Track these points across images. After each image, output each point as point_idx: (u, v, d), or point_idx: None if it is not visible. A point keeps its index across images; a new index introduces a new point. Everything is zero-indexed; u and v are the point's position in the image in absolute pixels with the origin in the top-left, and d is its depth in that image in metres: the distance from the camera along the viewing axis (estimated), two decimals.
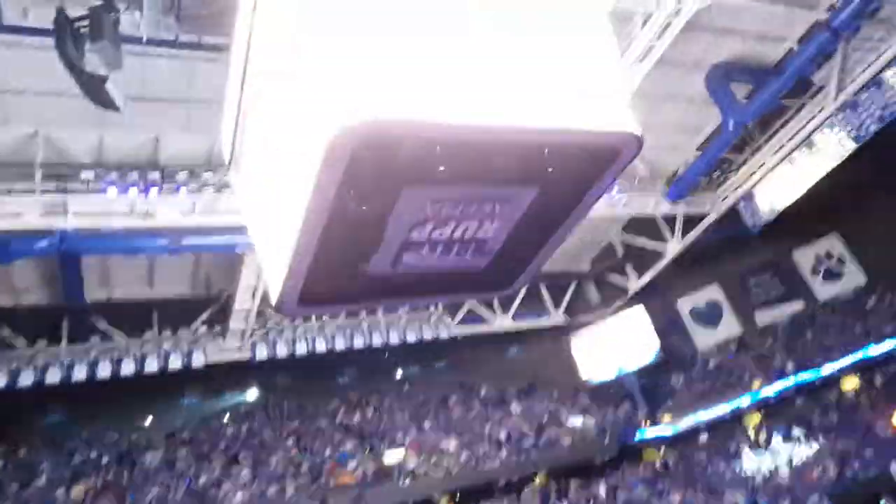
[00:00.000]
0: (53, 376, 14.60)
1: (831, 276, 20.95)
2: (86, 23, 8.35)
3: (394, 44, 5.81)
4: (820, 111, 15.00)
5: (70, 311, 14.81)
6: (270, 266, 7.28)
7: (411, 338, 18.52)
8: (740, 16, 12.68)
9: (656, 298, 20.84)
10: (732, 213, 17.31)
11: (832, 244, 21.06)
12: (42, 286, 14.19)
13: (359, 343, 17.73)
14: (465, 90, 5.52)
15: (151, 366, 15.39)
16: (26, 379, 14.37)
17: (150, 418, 18.56)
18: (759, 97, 13.94)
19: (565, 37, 6.44)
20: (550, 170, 6.33)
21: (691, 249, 18.17)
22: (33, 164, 10.89)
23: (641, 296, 20.48)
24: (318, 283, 7.45)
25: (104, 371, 14.98)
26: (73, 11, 8.40)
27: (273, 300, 7.06)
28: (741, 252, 19.72)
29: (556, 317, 20.74)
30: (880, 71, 13.96)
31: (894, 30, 13.62)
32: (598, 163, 6.98)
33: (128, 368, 15.17)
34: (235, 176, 8.20)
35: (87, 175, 11.36)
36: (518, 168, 6.37)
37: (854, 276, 20.64)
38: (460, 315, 19.29)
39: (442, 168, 5.65)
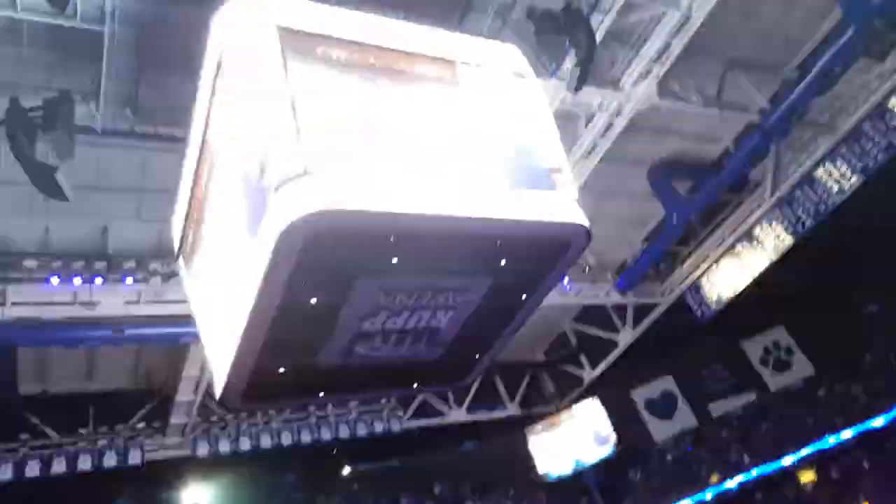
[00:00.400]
0: None
1: (781, 366, 21.43)
2: (40, 113, 8.38)
3: (345, 140, 5.95)
4: (758, 207, 15.79)
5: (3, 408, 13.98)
6: (216, 358, 7.04)
7: (361, 432, 17.94)
8: (679, 117, 13.54)
9: (611, 389, 20.90)
10: (682, 304, 17.74)
11: (780, 335, 21.66)
12: None
13: (306, 439, 17.02)
14: (415, 183, 5.65)
15: (85, 464, 14.50)
16: None
17: None
18: (700, 193, 14.68)
19: (513, 133, 6.72)
20: (503, 261, 6.47)
21: (644, 339, 18.44)
22: None
23: (597, 386, 20.51)
24: (266, 376, 7.23)
25: (33, 471, 14.07)
26: (28, 102, 8.42)
27: (217, 393, 6.80)
28: (692, 342, 20.11)
29: (512, 409, 20.52)
30: (812, 169, 14.82)
31: (822, 131, 14.64)
32: (550, 254, 7.13)
33: (59, 467, 14.28)
34: (184, 265, 8.05)
35: (29, 263, 11.07)
36: (471, 259, 6.46)
37: (803, 367, 21.14)
38: (413, 407, 18.90)
39: (395, 259, 5.72)
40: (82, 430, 14.96)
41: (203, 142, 7.01)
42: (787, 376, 21.15)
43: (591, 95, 11.88)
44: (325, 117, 5.82)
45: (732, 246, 16.38)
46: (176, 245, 8.63)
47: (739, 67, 13.35)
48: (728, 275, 16.63)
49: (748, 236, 16.11)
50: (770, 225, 15.66)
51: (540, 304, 8.42)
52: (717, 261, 16.70)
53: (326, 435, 17.35)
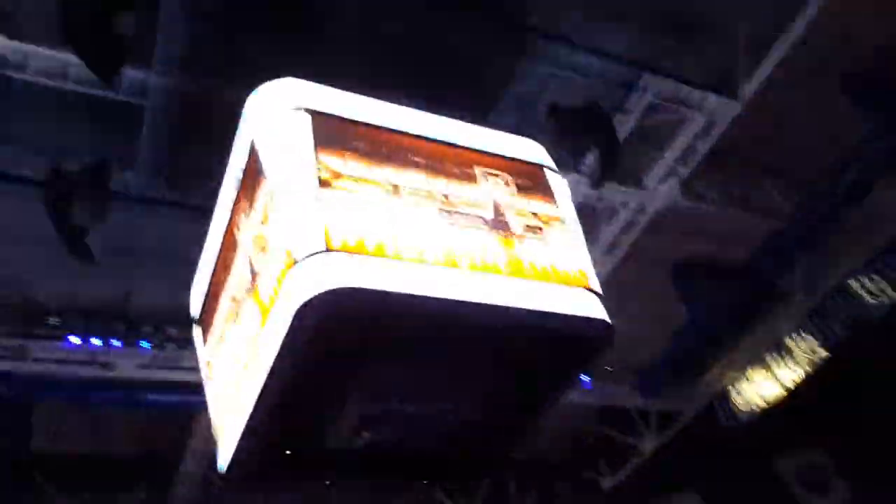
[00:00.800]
0: None
1: (817, 488, 20.24)
2: (77, 178, 8.72)
3: (370, 221, 6.01)
4: (788, 316, 15.42)
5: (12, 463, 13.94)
6: (223, 432, 6.92)
7: None
8: (703, 218, 13.54)
9: (632, 500, 19.95)
10: (710, 413, 17.13)
11: (816, 454, 20.55)
12: None
13: None
14: (438, 267, 5.64)
15: None
16: None
17: None
18: (724, 299, 14.43)
19: (536, 225, 6.72)
20: (522, 353, 6.34)
21: (668, 447, 17.74)
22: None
23: (616, 495, 19.62)
24: (272, 455, 7.04)
25: None
26: (68, 166, 8.78)
27: (221, 468, 6.64)
28: (720, 455, 19.25)
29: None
30: (846, 279, 14.51)
31: (857, 241, 14.38)
32: (570, 349, 6.98)
33: None
34: (200, 334, 8.04)
35: (53, 321, 11.24)
36: (489, 349, 6.35)
37: (841, 491, 19.91)
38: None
39: (412, 343, 5.64)
40: (86, 494, 14.74)
41: (229, 215, 7.19)
42: (824, 500, 19.94)
43: (614, 192, 12.01)
44: (351, 199, 5.93)
45: (762, 356, 15.91)
46: (194, 313, 8.72)
47: (769, 171, 13.44)
48: (758, 386, 16.10)
49: (778, 347, 15.65)
50: (802, 336, 15.24)
51: (558, 401, 8.21)
52: (745, 371, 16.21)
53: None
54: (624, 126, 11.05)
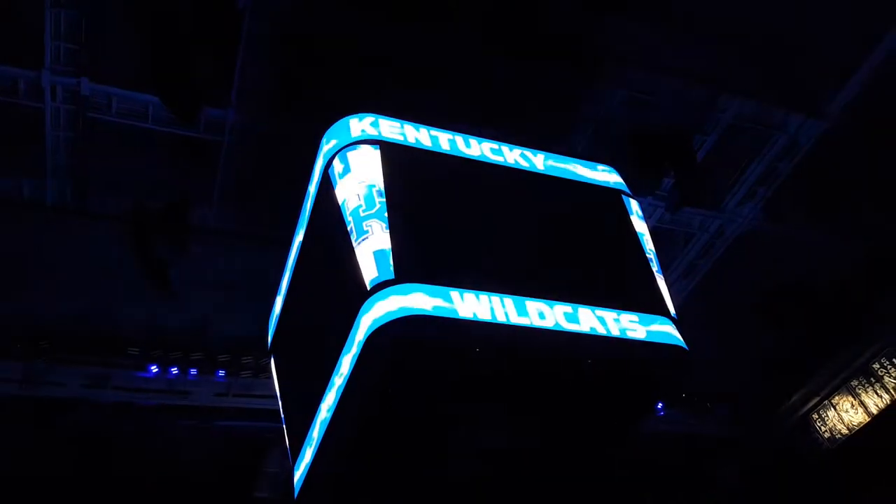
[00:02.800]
0: None
1: None
2: (159, 214, 9.13)
3: (440, 250, 5.99)
4: (876, 342, 14.60)
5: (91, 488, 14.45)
6: (297, 457, 6.97)
7: None
8: (786, 241, 12.92)
9: None
10: (791, 440, 16.29)
11: None
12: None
13: None
14: (508, 295, 5.56)
15: None
16: None
17: None
18: (808, 323, 13.75)
19: (611, 251, 6.59)
20: (595, 381, 6.18)
21: (748, 477, 16.92)
22: (85, 338, 11.25)
23: None
24: (343, 481, 7.06)
25: None
26: (150, 202, 9.21)
27: (295, 493, 6.67)
28: (802, 484, 18.22)
29: None
30: None
31: None
32: (647, 376, 6.76)
33: None
34: (275, 362, 8.18)
35: (133, 351, 11.69)
36: (560, 377, 6.22)
37: None
38: None
39: (485, 373, 5.57)
40: None
41: (305, 246, 7.37)
42: None
43: (692, 215, 11.66)
44: (422, 228, 5.99)
45: (847, 381, 15.08)
46: (270, 342, 8.92)
47: (856, 192, 12.73)
48: (842, 413, 15.25)
49: (865, 372, 14.81)
50: (891, 361, 14.38)
51: (634, 430, 7.97)
52: (829, 396, 15.38)
53: None
54: (703, 148, 10.76)
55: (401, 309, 4.94)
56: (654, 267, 6.70)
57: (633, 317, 5.93)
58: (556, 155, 7.14)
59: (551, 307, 5.53)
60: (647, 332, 5.92)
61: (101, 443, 13.28)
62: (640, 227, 7.12)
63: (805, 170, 11.43)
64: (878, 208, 12.71)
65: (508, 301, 5.39)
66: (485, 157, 6.64)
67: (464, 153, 6.54)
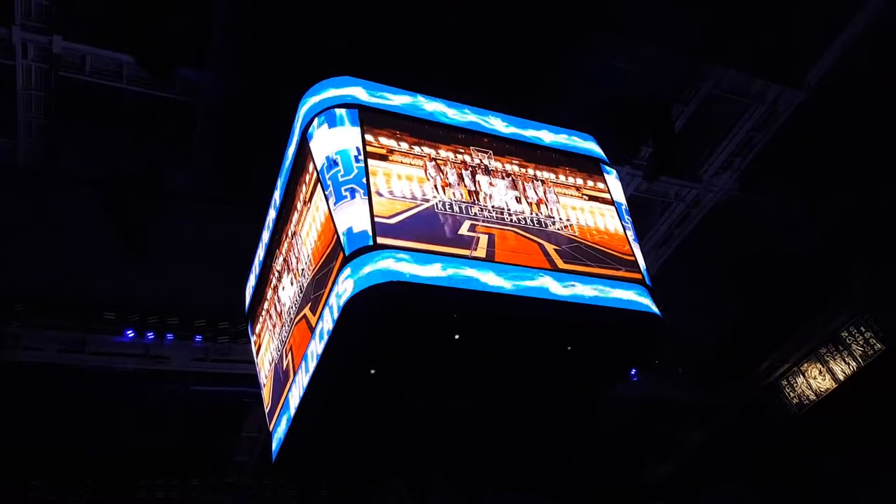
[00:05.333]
0: None
1: (867, 484, 19.53)
2: (133, 178, 8.98)
3: (416, 215, 6.02)
4: (845, 311, 14.95)
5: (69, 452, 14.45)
6: (275, 421, 7.06)
7: None
8: (760, 211, 13.09)
9: (679, 492, 19.58)
10: (761, 405, 16.74)
11: (866, 450, 19.79)
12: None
13: None
14: (484, 261, 5.62)
15: None
16: None
17: None
18: (779, 291, 14.02)
19: (586, 217, 6.67)
20: (569, 346, 6.31)
21: (717, 440, 17.39)
22: (61, 303, 11.15)
23: (663, 487, 19.29)
24: (321, 445, 7.20)
25: None
26: (124, 165, 9.05)
27: (273, 456, 6.78)
28: (769, 447, 18.77)
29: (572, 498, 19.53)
30: None
31: None
32: (619, 342, 6.93)
33: None
34: (252, 328, 8.24)
35: (109, 316, 11.60)
36: (535, 342, 6.33)
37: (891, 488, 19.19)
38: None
39: (457, 336, 5.68)
40: (142, 482, 15.22)
41: (281, 212, 7.33)
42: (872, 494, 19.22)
43: (668, 185, 11.75)
44: (399, 192, 5.99)
45: (816, 348, 15.47)
46: (247, 307, 8.91)
47: (831, 164, 12.88)
48: (811, 379, 15.67)
49: (834, 339, 15.20)
50: (858, 329, 14.75)
51: (604, 393, 8.15)
52: (798, 363, 15.79)
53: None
54: (681, 118, 10.79)
55: (378, 273, 4.98)
56: (631, 235, 6.78)
57: (609, 284, 6.02)
58: (518, 119, 7.22)
59: (528, 273, 5.59)
60: (622, 299, 6.03)
61: (79, 407, 13.25)
62: (618, 195, 7.19)
63: (781, 140, 11.54)
64: (852, 179, 12.92)
65: (488, 271, 5.44)
66: (470, 123, 6.64)
67: (445, 119, 6.52)
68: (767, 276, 14.32)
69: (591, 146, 7.52)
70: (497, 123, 6.94)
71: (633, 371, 14.50)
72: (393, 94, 6.42)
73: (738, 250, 13.76)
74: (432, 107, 6.56)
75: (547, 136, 7.26)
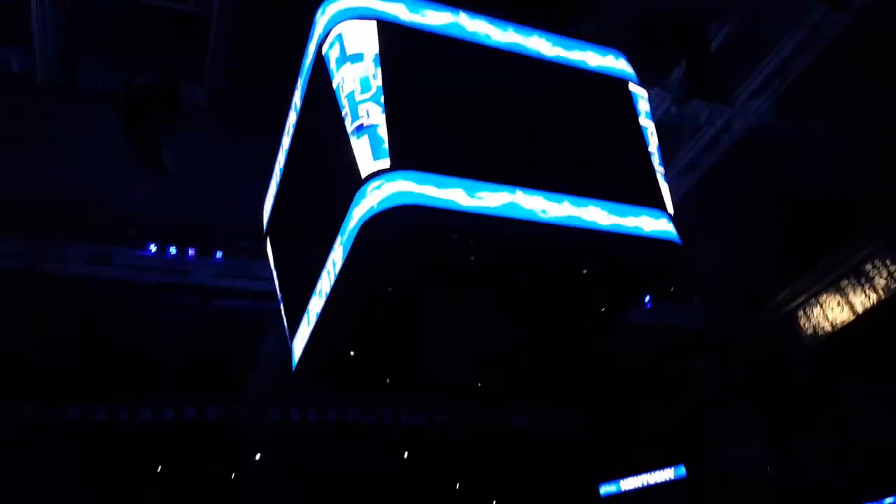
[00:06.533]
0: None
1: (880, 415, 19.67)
2: (151, 91, 8.87)
3: (436, 135, 5.88)
4: (869, 243, 14.71)
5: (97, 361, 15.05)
6: (294, 334, 7.20)
7: (422, 420, 18.20)
8: (791, 139, 12.66)
9: (687, 420, 20.00)
10: (775, 335, 16.78)
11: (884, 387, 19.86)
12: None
13: (369, 419, 17.77)
14: (504, 184, 5.53)
15: (168, 416, 16.01)
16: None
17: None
18: (804, 221, 13.76)
19: (612, 141, 6.50)
20: (585, 272, 6.26)
21: (729, 369, 17.57)
22: (84, 217, 11.36)
23: (670, 416, 19.66)
24: (338, 357, 7.34)
25: (124, 415, 15.79)
26: (140, 80, 8.93)
27: (293, 367, 6.96)
28: (781, 377, 18.94)
29: (578, 420, 20.10)
30: None
31: None
32: (637, 271, 6.87)
33: (145, 416, 15.91)
34: (271, 245, 8.29)
35: (132, 231, 11.86)
36: (551, 268, 6.29)
37: None
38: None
39: (473, 259, 5.64)
40: (165, 392, 16.00)
41: (299, 129, 7.22)
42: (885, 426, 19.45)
43: (699, 108, 11.34)
44: (418, 111, 5.84)
45: (837, 280, 15.29)
46: (265, 225, 8.94)
47: (871, 93, 12.30)
48: (829, 311, 15.59)
49: (856, 272, 14.99)
50: (884, 263, 14.51)
51: (621, 320, 8.18)
52: (817, 294, 15.67)
53: (388, 417, 17.92)
54: (717, 37, 10.27)
55: (395, 196, 4.91)
56: (656, 161, 6.60)
57: (629, 210, 5.92)
58: (562, 38, 6.82)
59: (547, 198, 5.49)
60: (643, 226, 5.93)
61: (105, 318, 13.69)
62: (646, 119, 6.95)
63: (822, 66, 10.98)
64: (890, 110, 12.39)
65: (513, 193, 5.34)
66: (488, 38, 6.35)
67: (466, 34, 6.26)
68: (791, 208, 14.04)
69: (624, 66, 7.19)
70: (541, 45, 6.59)
71: (648, 298, 14.52)
72: (415, 7, 6.11)
73: (763, 180, 13.43)
74: (454, 20, 6.26)
75: (592, 58, 6.90)
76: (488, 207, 5.19)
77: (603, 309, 6.91)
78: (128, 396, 15.79)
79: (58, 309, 13.02)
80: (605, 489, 20.53)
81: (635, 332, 16.05)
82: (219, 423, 16.42)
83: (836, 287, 15.49)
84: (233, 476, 19.10)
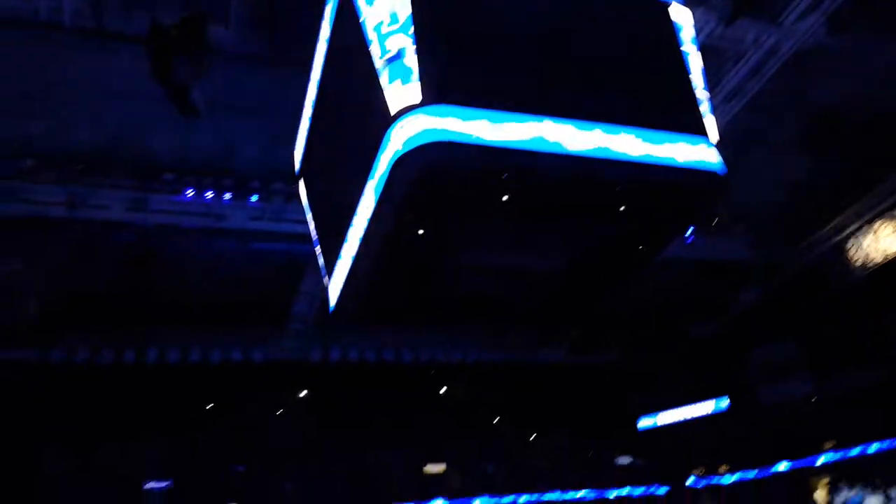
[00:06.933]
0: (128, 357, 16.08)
1: None
2: (177, 33, 8.74)
3: (467, 70, 5.63)
4: None
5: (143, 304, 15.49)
6: (330, 276, 7.18)
7: (457, 358, 18.29)
8: (844, 59, 11.94)
9: (730, 348, 19.85)
10: (822, 266, 16.33)
11: None
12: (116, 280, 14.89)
13: (407, 357, 17.93)
14: (537, 118, 5.32)
15: (215, 358, 16.44)
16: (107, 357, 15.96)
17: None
18: (857, 148, 13.11)
19: (652, 65, 6.15)
20: (623, 205, 6.06)
21: (773, 301, 17.25)
22: (119, 163, 11.45)
23: (712, 348, 19.54)
24: (375, 297, 7.34)
25: (174, 357, 16.26)
26: (167, 20, 8.79)
27: (330, 308, 6.96)
28: (827, 309, 18.55)
29: (615, 355, 20.07)
30: None
31: None
32: (677, 202, 6.61)
33: (194, 357, 16.37)
34: (304, 187, 8.22)
35: (168, 177, 11.92)
36: (588, 200, 6.10)
37: None
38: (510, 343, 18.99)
39: (507, 196, 5.50)
40: (209, 336, 16.37)
41: (327, 65, 7.04)
42: None
43: (745, 29, 10.72)
44: (447, 42, 5.61)
45: (892, 208, 14.62)
46: (297, 167, 8.89)
47: None
48: (881, 240, 15.01)
49: None
50: None
51: (661, 253, 7.97)
52: (870, 222, 15.05)
53: (426, 356, 18.10)
54: None
55: (422, 134, 4.77)
56: (700, 88, 6.28)
57: (666, 138, 5.67)
58: None
59: (577, 127, 5.27)
60: (679, 156, 5.69)
61: (147, 263, 14.00)
62: (689, 43, 6.59)
63: None
64: None
65: (541, 123, 5.15)
66: None
67: None
68: (845, 133, 13.37)
69: None
70: None
71: (691, 231, 14.20)
72: None
73: (813, 103, 12.76)
74: None
75: None
76: (514, 141, 5.01)
77: (642, 242, 6.74)
78: (174, 339, 16.31)
79: (101, 254, 13.34)
80: (644, 423, 20.69)
81: (678, 265, 15.83)
82: (263, 364, 16.93)
83: (890, 215, 14.85)
84: (278, 413, 19.96)
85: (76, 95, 10.53)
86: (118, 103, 10.74)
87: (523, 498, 17.97)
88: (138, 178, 11.76)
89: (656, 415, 20.42)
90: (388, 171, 4.95)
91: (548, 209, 5.75)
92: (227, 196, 11.98)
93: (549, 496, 18.14)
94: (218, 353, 16.45)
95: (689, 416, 19.84)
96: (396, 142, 4.86)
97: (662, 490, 19.41)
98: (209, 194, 11.90)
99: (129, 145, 11.40)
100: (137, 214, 11.79)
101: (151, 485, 16.04)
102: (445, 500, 17.06)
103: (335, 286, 7.00)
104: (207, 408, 18.94)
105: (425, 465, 17.83)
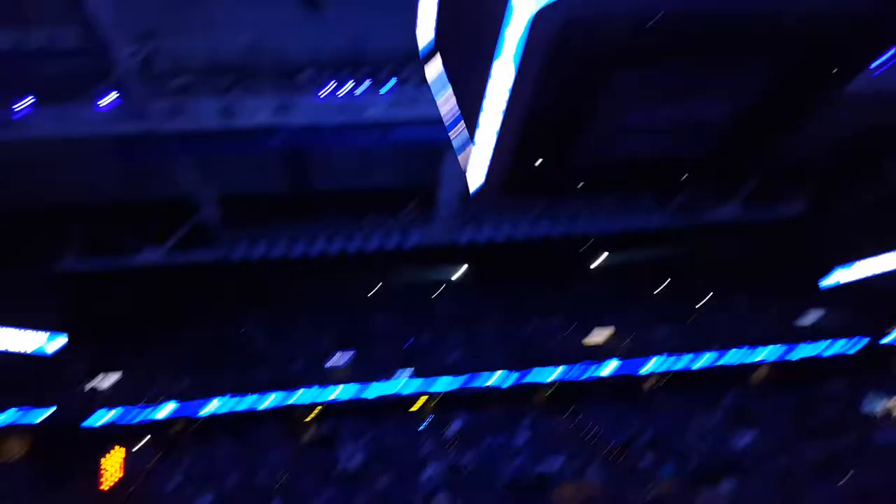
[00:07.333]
0: (298, 250, 17.26)
1: None
2: None
3: None
4: None
5: (300, 199, 16.41)
6: (473, 153, 7.10)
7: (616, 226, 17.82)
8: None
9: None
10: None
11: None
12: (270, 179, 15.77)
13: (559, 230, 17.67)
14: None
15: (372, 245, 17.28)
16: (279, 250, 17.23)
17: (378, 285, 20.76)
18: None
19: None
20: (794, 42, 5.28)
21: None
22: (255, 69, 11.86)
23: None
24: (522, 170, 7.14)
25: (336, 247, 17.29)
26: None
27: (473, 188, 6.95)
28: None
29: (794, 207, 18.46)
30: None
31: None
32: (852, 34, 5.68)
33: (353, 246, 17.31)
34: (432, 69, 8.03)
35: (303, 77, 12.20)
36: (753, 41, 5.37)
37: None
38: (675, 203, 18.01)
39: (658, 44, 4.94)
40: (366, 219, 17.23)
41: None
42: None
43: None
44: None
45: None
46: (422, 50, 8.63)
47: None
48: None
49: None
50: None
51: (840, 95, 6.97)
52: None
53: (580, 227, 17.81)
54: None
55: None
56: None
57: None
58: None
59: None
60: None
61: (300, 163, 14.67)
62: None
63: None
64: None
65: None
66: None
67: None
68: None
69: None
70: None
71: (874, 65, 12.30)
72: None
73: None
74: None
75: None
76: None
77: (816, 80, 5.91)
78: (337, 230, 17.28)
79: (258, 160, 14.12)
80: (832, 279, 18.90)
81: (857, 101, 13.91)
82: (417, 247, 17.55)
83: None
84: (433, 296, 20.87)
85: (211, 9, 10.85)
86: (254, 13, 10.94)
87: (701, 358, 17.51)
88: (277, 82, 12.07)
89: (845, 268, 18.52)
90: (527, 27, 4.61)
91: (708, 51, 5.14)
92: (363, 87, 12.04)
93: (728, 356, 17.56)
94: (377, 240, 17.25)
95: (875, 273, 17.85)
96: (520, 16, 4.49)
97: (854, 349, 17.99)
98: (348, 84, 11.99)
99: (265, 49, 11.66)
100: (284, 117, 12.22)
101: (338, 354, 17.66)
102: (619, 360, 16.95)
103: (478, 164, 6.88)
104: (375, 290, 20.54)
105: (593, 329, 17.83)
